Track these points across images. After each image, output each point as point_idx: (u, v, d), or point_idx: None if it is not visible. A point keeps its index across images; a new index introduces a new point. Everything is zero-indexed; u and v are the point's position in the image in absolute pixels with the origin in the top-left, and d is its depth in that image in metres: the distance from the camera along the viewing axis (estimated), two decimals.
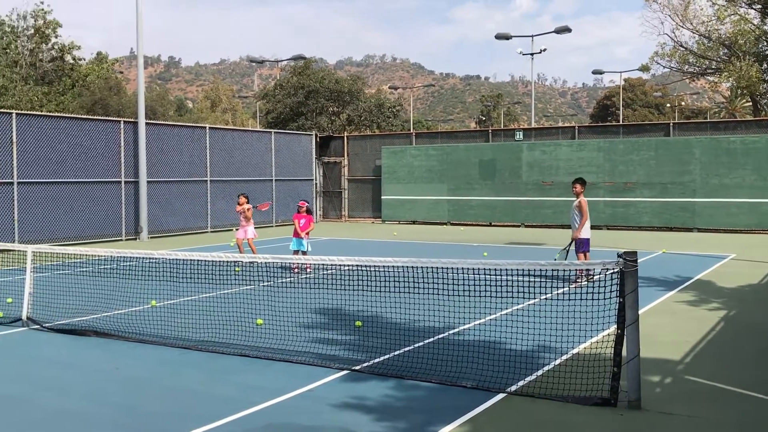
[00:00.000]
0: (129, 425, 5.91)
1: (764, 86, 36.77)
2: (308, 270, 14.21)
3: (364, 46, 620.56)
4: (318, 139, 31.91)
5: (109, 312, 10.29)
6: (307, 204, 15.11)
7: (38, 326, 9.64)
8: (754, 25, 33.88)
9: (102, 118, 24.24)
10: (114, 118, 23.98)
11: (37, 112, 26.06)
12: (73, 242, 20.39)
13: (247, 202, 16.06)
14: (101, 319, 10.00)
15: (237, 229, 16.67)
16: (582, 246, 12.82)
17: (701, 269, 14.75)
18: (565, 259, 12.69)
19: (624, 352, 6.26)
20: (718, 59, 34.81)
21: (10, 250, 14.12)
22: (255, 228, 16.31)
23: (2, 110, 20.57)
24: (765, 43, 34.42)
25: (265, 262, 10.39)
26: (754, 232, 23.28)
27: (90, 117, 23.68)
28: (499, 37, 39.26)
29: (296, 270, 14.25)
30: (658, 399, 6.44)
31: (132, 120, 23.78)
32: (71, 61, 48.13)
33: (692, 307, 10.82)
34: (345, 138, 32.12)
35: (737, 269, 14.91)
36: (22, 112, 22.12)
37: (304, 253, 14.56)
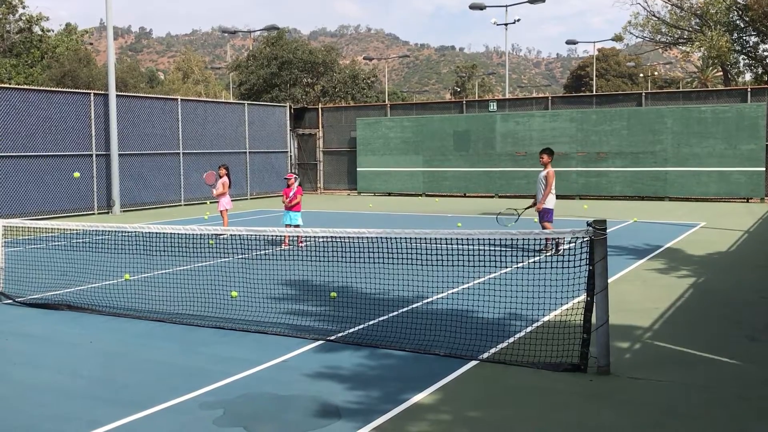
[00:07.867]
0: (104, 397, 5.93)
1: (734, 56, 37.08)
2: (301, 245, 13.72)
3: (339, 16, 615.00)
4: (292, 111, 31.71)
5: (82, 286, 10.25)
6: (294, 175, 14.85)
7: (11, 301, 9.59)
8: None
9: (72, 90, 23.87)
10: (84, 91, 23.63)
11: (6, 85, 25.58)
12: (45, 216, 20.19)
13: (227, 175, 16.09)
14: (75, 292, 9.96)
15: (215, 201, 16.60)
16: (546, 216, 13.10)
17: (671, 237, 14.97)
18: (516, 221, 13.72)
19: (594, 319, 6.38)
20: (690, 29, 35.00)
21: None
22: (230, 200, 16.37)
23: None
24: (735, 14, 34.65)
25: (239, 235, 10.38)
26: (724, 200, 23.63)
27: (60, 89, 23.32)
28: (473, 7, 39.05)
29: (287, 245, 13.95)
30: (627, 364, 6.58)
31: (102, 92, 23.45)
32: (39, 33, 47.15)
33: (662, 274, 11.00)
34: (319, 109, 31.96)
35: (707, 237, 15.15)
36: None
37: (296, 227, 14.04)
